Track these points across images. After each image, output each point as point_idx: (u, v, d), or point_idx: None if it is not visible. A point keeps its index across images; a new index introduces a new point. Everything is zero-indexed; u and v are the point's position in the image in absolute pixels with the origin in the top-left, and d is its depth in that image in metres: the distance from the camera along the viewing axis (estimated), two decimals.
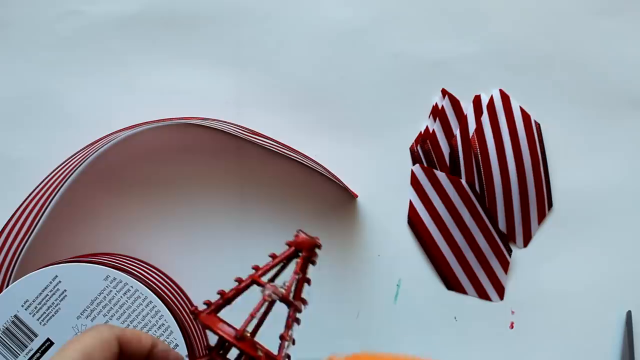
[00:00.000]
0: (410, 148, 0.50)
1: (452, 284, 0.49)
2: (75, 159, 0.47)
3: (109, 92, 0.51)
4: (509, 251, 0.49)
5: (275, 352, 0.34)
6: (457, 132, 0.49)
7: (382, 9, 0.50)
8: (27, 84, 0.51)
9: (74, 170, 0.47)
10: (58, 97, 0.51)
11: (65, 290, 0.44)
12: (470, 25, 0.50)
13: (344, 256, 0.50)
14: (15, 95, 0.51)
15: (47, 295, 0.44)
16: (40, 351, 0.44)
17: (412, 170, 0.49)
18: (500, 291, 0.49)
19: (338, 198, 0.50)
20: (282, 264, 0.36)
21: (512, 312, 0.49)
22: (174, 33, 0.51)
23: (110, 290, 0.44)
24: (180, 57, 0.50)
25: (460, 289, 0.49)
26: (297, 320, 0.35)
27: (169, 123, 0.49)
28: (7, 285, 0.47)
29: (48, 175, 0.48)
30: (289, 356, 0.35)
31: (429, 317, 0.49)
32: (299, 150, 0.47)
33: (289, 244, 0.36)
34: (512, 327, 0.49)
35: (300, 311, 0.35)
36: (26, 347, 0.44)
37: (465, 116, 0.49)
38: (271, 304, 0.35)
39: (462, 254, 0.49)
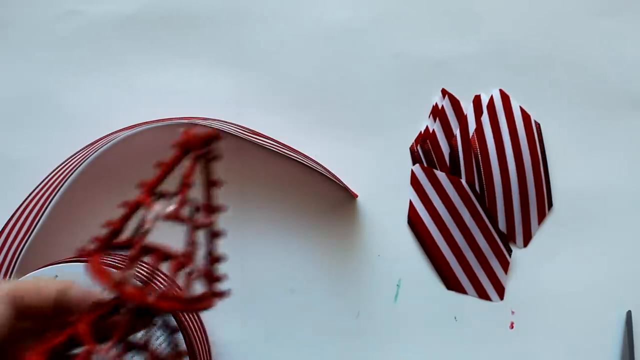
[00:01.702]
0: (410, 148, 0.50)
1: (452, 284, 0.49)
2: (75, 159, 0.47)
3: (108, 92, 0.50)
4: (509, 251, 0.49)
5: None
6: (457, 132, 0.49)
7: (382, 9, 0.50)
8: (27, 84, 0.51)
9: (74, 170, 0.47)
10: (57, 97, 0.51)
11: None
12: (470, 25, 0.50)
13: (344, 256, 0.50)
14: (15, 95, 0.51)
15: None
16: None
17: (412, 170, 0.49)
18: (500, 291, 0.49)
19: (338, 198, 0.50)
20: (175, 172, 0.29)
21: (512, 312, 0.49)
22: (173, 33, 0.51)
23: None
24: (180, 57, 0.50)
25: (460, 289, 0.49)
26: (216, 234, 0.29)
27: (168, 123, 0.49)
28: None
29: (48, 175, 0.48)
30: (215, 292, 0.29)
31: (429, 317, 0.49)
32: (299, 150, 0.47)
33: (175, 145, 0.28)
34: (512, 327, 0.49)
35: (209, 224, 0.28)
36: None
37: (465, 116, 0.49)
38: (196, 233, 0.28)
39: (462, 254, 0.49)
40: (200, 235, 0.28)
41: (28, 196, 0.47)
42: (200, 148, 0.28)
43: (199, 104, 0.50)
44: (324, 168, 0.47)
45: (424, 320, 0.49)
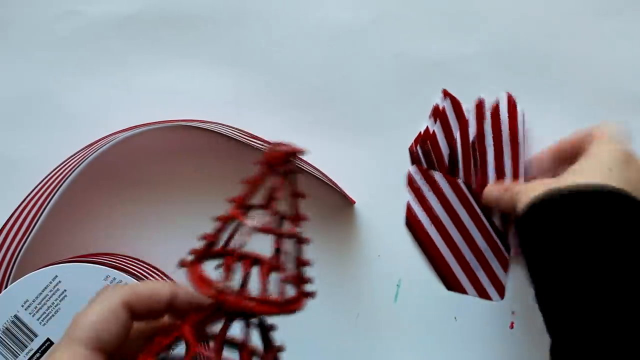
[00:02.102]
0: (409, 149, 0.50)
1: (451, 284, 0.49)
2: (75, 160, 0.47)
3: (108, 92, 0.51)
4: (508, 250, 0.49)
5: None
6: (457, 134, 0.49)
7: (382, 10, 0.50)
8: (27, 84, 0.51)
9: (74, 171, 0.47)
10: (57, 97, 0.51)
11: (65, 290, 0.44)
12: (470, 26, 0.50)
13: (344, 256, 0.50)
14: (15, 95, 0.51)
15: (47, 295, 0.44)
16: (40, 351, 0.44)
17: (408, 171, 0.49)
18: (501, 290, 0.49)
19: (337, 199, 0.50)
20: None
21: (513, 313, 0.49)
22: (173, 33, 0.51)
23: None
24: (180, 57, 0.50)
25: (460, 289, 0.49)
26: (302, 241, 0.31)
27: (168, 125, 0.49)
28: (6, 285, 0.47)
29: (48, 175, 0.48)
30: (305, 293, 0.31)
31: (429, 317, 0.49)
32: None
33: (260, 162, 0.31)
34: (512, 327, 0.49)
35: (296, 233, 0.31)
36: (26, 347, 0.44)
37: (466, 119, 0.49)
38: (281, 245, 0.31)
39: (461, 253, 0.49)
40: (288, 243, 0.32)
41: (27, 196, 0.47)
42: (283, 164, 0.31)
43: (198, 104, 0.50)
44: (322, 174, 0.47)
45: (424, 320, 0.49)
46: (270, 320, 0.32)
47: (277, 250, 0.31)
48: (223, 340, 0.31)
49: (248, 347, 0.32)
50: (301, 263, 0.32)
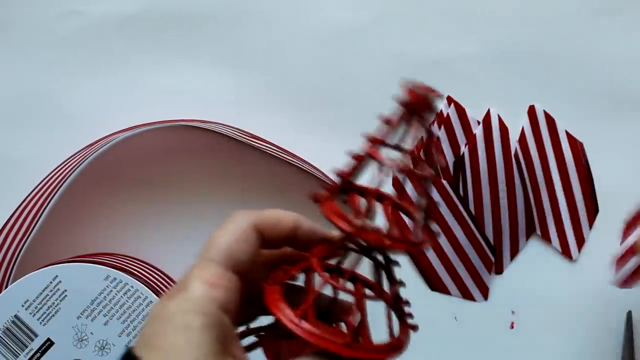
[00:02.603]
0: (410, 152, 0.49)
1: (434, 284, 0.49)
2: (75, 160, 0.47)
3: (108, 92, 0.51)
4: (492, 250, 0.49)
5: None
6: (464, 146, 0.49)
7: (382, 10, 0.50)
8: (27, 84, 0.51)
9: (74, 171, 0.47)
10: (57, 97, 0.51)
11: (65, 290, 0.44)
12: (470, 26, 0.50)
13: None
14: (15, 95, 0.51)
15: (47, 295, 0.44)
16: (40, 351, 0.44)
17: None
18: (485, 291, 0.49)
19: None
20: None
21: (513, 312, 0.49)
22: (174, 33, 0.51)
23: (111, 290, 0.44)
24: (180, 57, 0.50)
25: (443, 289, 0.49)
26: (432, 181, 0.31)
27: (168, 125, 0.49)
28: (7, 285, 0.47)
29: (48, 176, 0.48)
30: (433, 234, 0.31)
31: (429, 317, 0.49)
32: (298, 155, 0.47)
33: (401, 104, 0.30)
34: (512, 327, 0.49)
35: (430, 174, 0.31)
36: (26, 347, 0.44)
37: (473, 131, 0.49)
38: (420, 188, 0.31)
39: (445, 254, 0.49)
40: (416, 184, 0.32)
41: (27, 196, 0.47)
42: (424, 108, 0.30)
43: (199, 104, 0.50)
44: (323, 173, 0.47)
45: (424, 320, 0.49)
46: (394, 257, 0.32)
47: (416, 192, 0.32)
48: (353, 274, 0.31)
49: (376, 282, 0.32)
50: (431, 204, 0.31)
